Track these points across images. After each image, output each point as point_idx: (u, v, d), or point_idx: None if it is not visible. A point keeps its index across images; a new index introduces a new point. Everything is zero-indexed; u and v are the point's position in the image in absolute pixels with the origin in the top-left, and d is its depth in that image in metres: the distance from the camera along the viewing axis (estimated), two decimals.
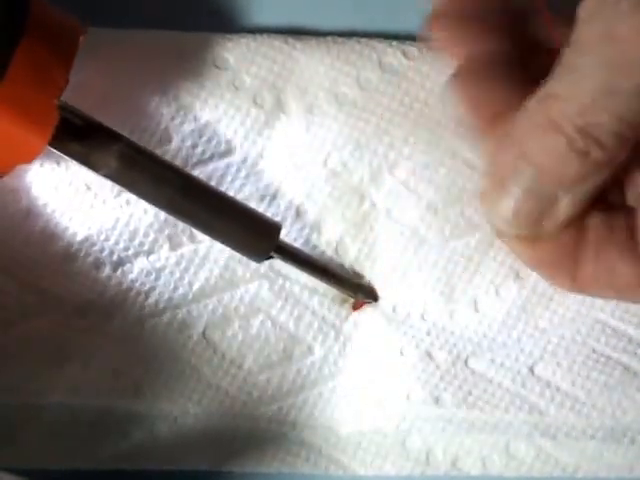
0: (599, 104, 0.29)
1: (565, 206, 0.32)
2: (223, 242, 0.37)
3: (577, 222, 0.33)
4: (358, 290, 0.39)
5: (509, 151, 0.32)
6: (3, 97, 0.32)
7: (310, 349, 0.40)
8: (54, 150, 0.35)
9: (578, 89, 0.30)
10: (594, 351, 0.41)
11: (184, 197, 0.35)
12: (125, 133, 0.40)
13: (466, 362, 0.41)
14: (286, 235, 0.40)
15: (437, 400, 0.40)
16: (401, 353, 0.41)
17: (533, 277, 0.41)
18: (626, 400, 0.41)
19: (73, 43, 0.35)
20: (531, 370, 0.41)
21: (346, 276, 0.39)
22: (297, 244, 0.40)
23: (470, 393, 0.40)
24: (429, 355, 0.41)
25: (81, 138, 0.34)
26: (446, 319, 0.40)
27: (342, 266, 0.40)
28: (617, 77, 0.29)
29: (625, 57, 0.29)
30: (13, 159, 0.34)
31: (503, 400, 0.41)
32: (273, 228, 0.37)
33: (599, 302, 0.41)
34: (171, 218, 0.40)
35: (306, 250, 0.40)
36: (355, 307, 0.40)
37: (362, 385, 0.40)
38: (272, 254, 0.37)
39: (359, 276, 0.40)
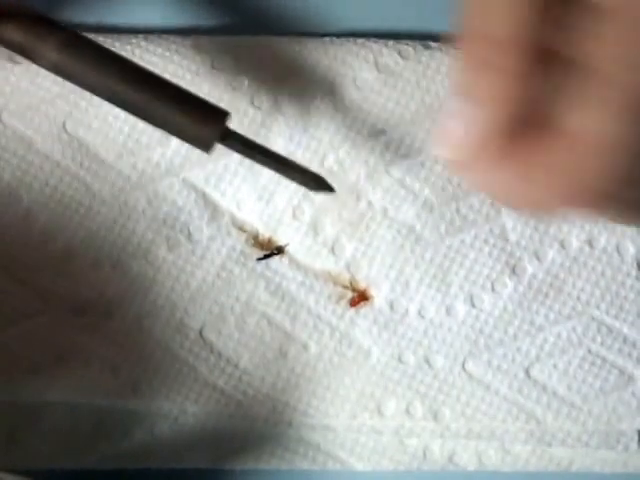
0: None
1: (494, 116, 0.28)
2: (169, 131, 0.35)
3: None
4: (310, 179, 0.36)
5: None
6: None
7: (305, 347, 0.40)
8: None
9: None
10: (590, 352, 0.41)
11: (127, 87, 0.34)
12: (124, 133, 0.41)
13: (463, 365, 0.41)
14: (283, 234, 0.41)
15: (436, 415, 0.40)
16: (399, 360, 0.41)
17: (529, 273, 0.41)
18: (621, 406, 0.41)
19: None
20: (527, 373, 0.41)
21: (298, 165, 0.36)
22: (294, 243, 0.41)
23: (468, 404, 0.41)
24: (427, 362, 0.41)
25: (19, 28, 0.33)
26: (443, 315, 0.41)
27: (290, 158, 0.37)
28: None
29: None
30: None
31: (500, 409, 0.41)
32: (219, 114, 0.35)
33: (595, 299, 0.41)
34: (169, 219, 0.41)
35: (302, 250, 0.41)
36: (352, 304, 0.41)
37: (359, 385, 0.40)
38: (221, 141, 0.35)
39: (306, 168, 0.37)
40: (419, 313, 0.41)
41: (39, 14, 0.34)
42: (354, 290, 0.41)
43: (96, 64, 0.34)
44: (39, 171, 0.40)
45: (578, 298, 0.41)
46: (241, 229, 0.41)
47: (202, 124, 0.34)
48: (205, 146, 0.34)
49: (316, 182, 0.36)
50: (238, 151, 0.35)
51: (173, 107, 0.34)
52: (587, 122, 0.27)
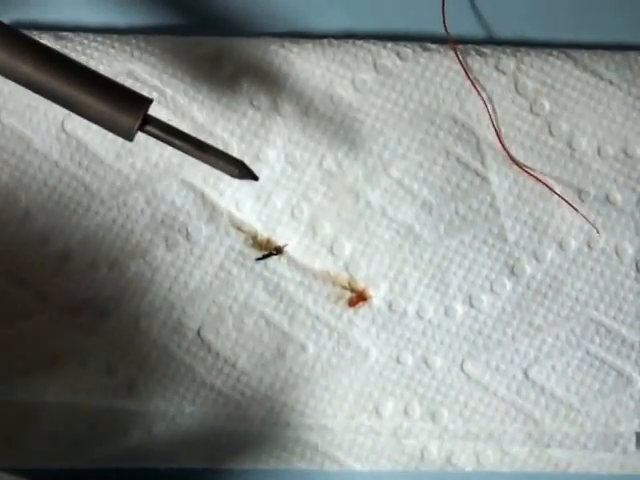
0: None
1: None
2: (89, 119, 0.34)
3: None
4: (234, 166, 0.35)
5: None
6: None
7: (304, 347, 0.40)
8: None
9: None
10: (588, 353, 0.41)
11: (45, 74, 0.33)
12: (121, 138, 0.41)
13: (462, 366, 0.41)
14: (281, 234, 0.41)
15: (434, 416, 0.40)
16: (398, 360, 0.40)
17: (528, 274, 0.41)
18: (619, 408, 0.41)
19: None
20: (526, 374, 0.41)
21: (218, 150, 0.35)
22: (293, 243, 0.41)
23: (466, 405, 0.40)
24: (425, 362, 0.41)
25: None
26: (441, 316, 0.41)
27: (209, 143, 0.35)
28: None
29: None
30: None
31: (499, 410, 0.40)
32: (139, 101, 0.34)
33: (593, 300, 0.41)
34: (168, 218, 0.40)
35: (301, 250, 0.41)
36: (351, 304, 0.40)
37: (357, 385, 0.40)
38: (141, 129, 0.34)
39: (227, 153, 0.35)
40: (417, 313, 0.41)
41: None
42: (352, 290, 0.41)
43: (14, 50, 0.33)
44: (37, 171, 0.40)
45: (577, 299, 0.41)
46: (240, 229, 0.41)
47: (121, 111, 0.33)
48: (126, 134, 0.33)
49: (239, 169, 0.35)
50: (161, 139, 0.34)
51: (92, 94, 0.33)
52: None
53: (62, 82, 0.33)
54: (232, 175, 0.35)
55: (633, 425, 0.40)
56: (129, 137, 0.33)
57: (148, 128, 0.33)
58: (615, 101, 0.42)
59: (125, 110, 0.33)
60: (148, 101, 0.33)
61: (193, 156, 0.34)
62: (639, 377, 0.41)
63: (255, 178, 0.35)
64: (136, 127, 0.33)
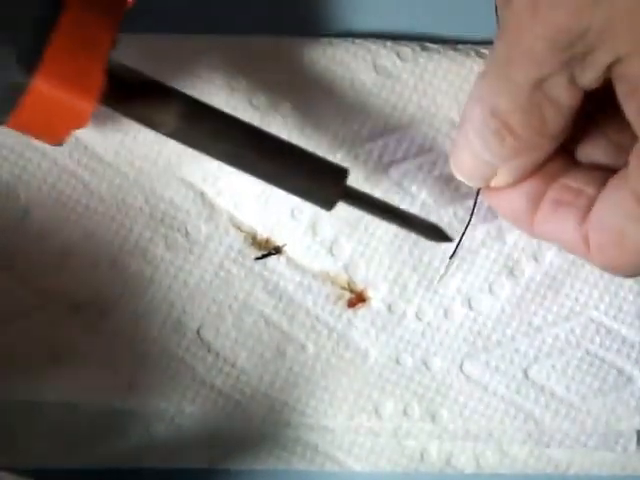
0: (499, 89, 0.31)
1: (503, 174, 0.33)
2: (290, 191, 0.35)
3: (543, 176, 0.34)
4: (429, 231, 0.37)
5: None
6: (48, 63, 0.30)
7: (303, 347, 0.40)
8: (113, 110, 0.33)
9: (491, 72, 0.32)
10: (588, 353, 0.41)
11: (246, 150, 0.34)
12: (122, 130, 0.41)
13: (461, 367, 0.41)
14: (281, 234, 0.40)
15: (434, 417, 0.40)
16: (397, 361, 0.41)
17: (527, 275, 0.41)
18: (620, 406, 0.41)
19: (119, 3, 0.33)
20: (525, 374, 0.41)
21: (415, 216, 0.37)
22: (292, 243, 0.41)
23: (466, 405, 0.40)
24: (425, 363, 0.41)
25: (138, 97, 0.33)
26: (441, 318, 0.41)
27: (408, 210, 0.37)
28: (511, 68, 0.30)
29: (517, 49, 0.30)
30: (65, 125, 0.32)
31: (498, 410, 0.40)
32: (340, 173, 0.35)
33: (593, 300, 0.41)
34: (167, 217, 0.40)
35: (301, 250, 0.41)
36: (350, 305, 0.40)
37: (357, 386, 0.40)
38: (340, 199, 0.35)
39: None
40: (417, 315, 0.41)
41: (152, 80, 0.34)
42: (352, 291, 0.41)
43: (213, 130, 0.33)
44: (36, 169, 0.40)
45: (576, 299, 0.41)
46: (239, 228, 0.41)
47: (326, 185, 0.34)
48: (329, 205, 0.34)
49: (435, 233, 0.37)
50: (357, 207, 0.35)
51: (296, 170, 0.34)
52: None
53: (261, 157, 0.34)
54: (429, 239, 0.37)
55: (634, 423, 0.40)
56: (328, 208, 0.34)
57: (347, 199, 0.35)
58: None
59: (325, 184, 0.34)
60: (344, 172, 0.34)
61: (390, 222, 0.36)
62: None
63: (450, 240, 0.37)
64: (338, 200, 0.34)
